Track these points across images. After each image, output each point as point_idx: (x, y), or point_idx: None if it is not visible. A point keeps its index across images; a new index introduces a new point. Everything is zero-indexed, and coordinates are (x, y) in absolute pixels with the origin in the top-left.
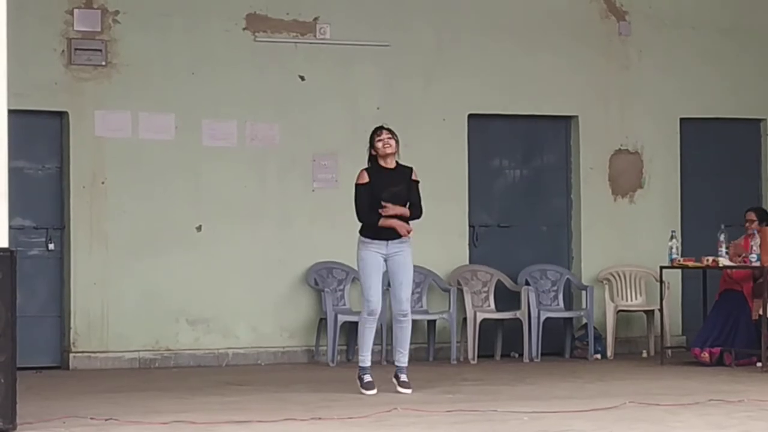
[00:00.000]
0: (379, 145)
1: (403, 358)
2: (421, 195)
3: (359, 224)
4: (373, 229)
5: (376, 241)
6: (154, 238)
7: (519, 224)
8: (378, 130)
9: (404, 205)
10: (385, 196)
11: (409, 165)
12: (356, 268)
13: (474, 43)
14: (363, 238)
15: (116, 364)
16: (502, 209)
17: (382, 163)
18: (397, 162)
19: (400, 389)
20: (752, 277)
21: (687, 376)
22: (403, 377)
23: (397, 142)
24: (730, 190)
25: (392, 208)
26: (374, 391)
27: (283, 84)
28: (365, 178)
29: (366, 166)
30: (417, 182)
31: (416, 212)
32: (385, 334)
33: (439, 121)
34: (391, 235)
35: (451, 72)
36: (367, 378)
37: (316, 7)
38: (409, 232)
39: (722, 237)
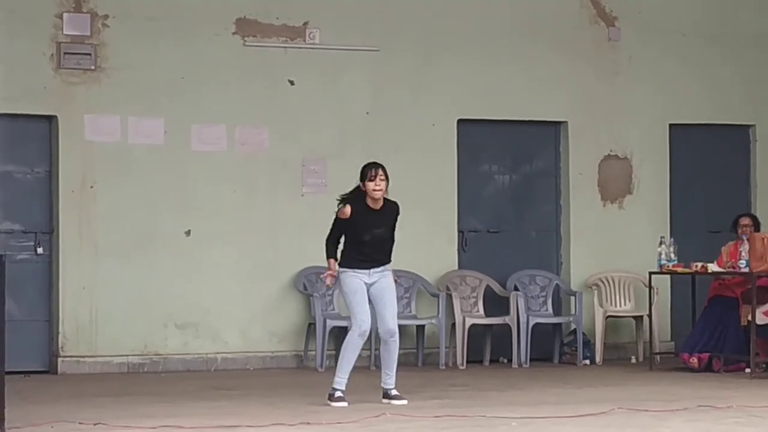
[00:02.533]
0: (371, 186)
1: (390, 381)
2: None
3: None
4: (354, 261)
5: (359, 271)
6: (143, 243)
7: (508, 230)
8: (372, 169)
9: (387, 242)
10: (367, 238)
11: (395, 200)
12: (342, 296)
13: (463, 48)
14: (345, 269)
15: (105, 368)
16: (491, 215)
17: (369, 202)
18: (384, 199)
19: (395, 402)
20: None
21: (676, 382)
22: (394, 392)
23: (387, 181)
24: (719, 196)
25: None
26: (345, 404)
27: (272, 89)
28: (346, 215)
29: (350, 193)
30: (398, 215)
31: (387, 259)
32: (374, 340)
33: (429, 126)
34: (373, 265)
35: (441, 77)
36: (338, 394)
37: (305, 12)
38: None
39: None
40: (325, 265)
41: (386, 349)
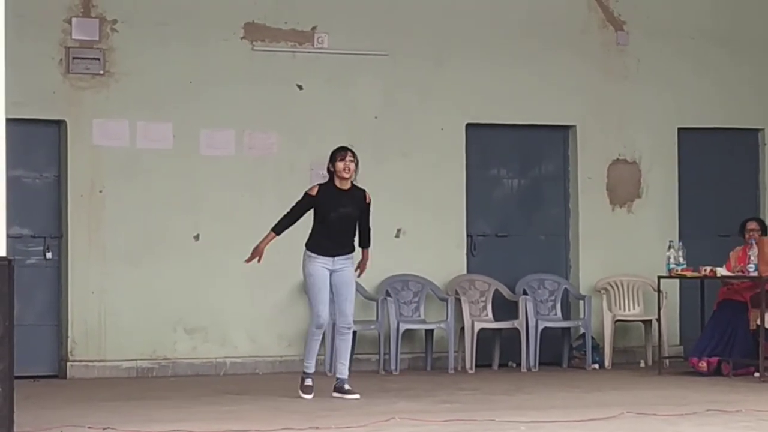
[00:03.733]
0: (340, 165)
1: (344, 370)
2: (371, 219)
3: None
4: (320, 244)
5: (322, 257)
6: (151, 247)
7: (517, 234)
8: (341, 151)
9: (353, 226)
10: (333, 216)
11: (363, 187)
12: (305, 279)
13: (472, 52)
14: (310, 253)
15: (114, 373)
16: (500, 219)
17: (337, 183)
18: (352, 184)
19: (348, 397)
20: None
21: (685, 386)
22: (347, 386)
23: (356, 166)
24: (728, 200)
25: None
26: (311, 396)
27: (281, 93)
28: (314, 192)
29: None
30: (369, 204)
31: (365, 241)
32: (383, 344)
33: (438, 130)
34: (338, 251)
35: (449, 81)
36: (308, 381)
37: (314, 16)
38: (255, 260)
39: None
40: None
41: (342, 340)
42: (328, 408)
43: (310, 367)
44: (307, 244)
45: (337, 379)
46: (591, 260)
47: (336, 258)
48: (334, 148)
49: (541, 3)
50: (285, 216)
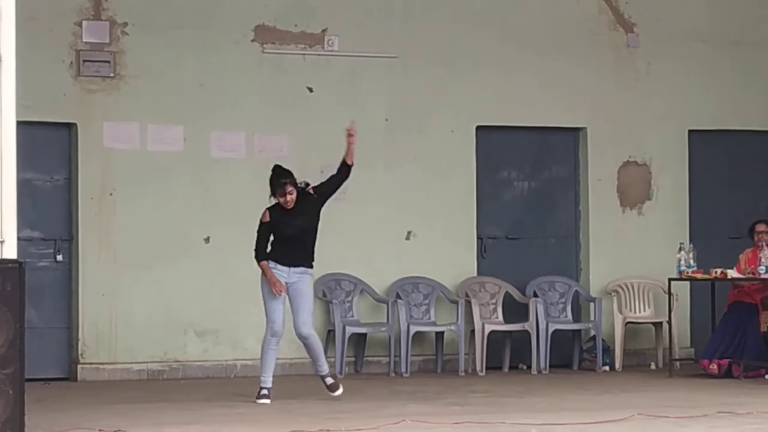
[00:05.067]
0: (282, 200)
1: (323, 368)
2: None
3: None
4: (277, 255)
5: (280, 266)
6: (162, 250)
7: (527, 236)
8: (280, 188)
9: (310, 236)
10: (291, 232)
11: (305, 188)
12: (261, 290)
13: (482, 55)
14: (270, 264)
15: (124, 375)
16: (510, 221)
17: (284, 204)
18: (297, 194)
19: (333, 393)
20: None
21: (695, 388)
22: (329, 380)
23: (295, 186)
24: (739, 202)
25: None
26: (268, 401)
27: (291, 96)
28: (267, 218)
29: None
30: (318, 190)
31: (339, 178)
32: (393, 347)
33: (448, 133)
34: (293, 262)
35: (459, 84)
36: (264, 392)
37: (324, 19)
38: (280, 292)
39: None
40: (343, 272)
41: (307, 347)
42: (338, 410)
43: (267, 381)
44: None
45: (321, 376)
46: (601, 262)
47: (292, 269)
48: (271, 177)
49: (552, 5)
50: (257, 246)
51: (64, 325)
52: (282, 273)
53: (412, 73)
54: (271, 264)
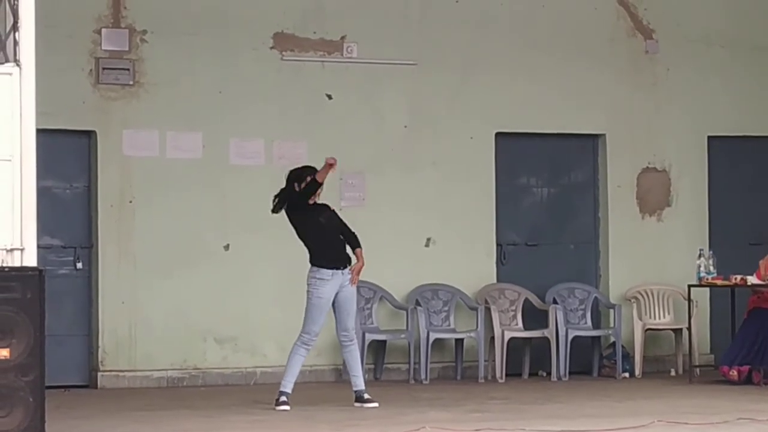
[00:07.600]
0: (314, 178)
1: (359, 381)
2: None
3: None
4: (324, 258)
5: (332, 271)
6: (181, 257)
7: (546, 242)
8: (311, 168)
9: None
10: (323, 221)
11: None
12: (307, 296)
13: (501, 61)
14: (319, 269)
15: (144, 383)
16: (529, 227)
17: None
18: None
19: (367, 406)
20: None
21: (715, 395)
22: (366, 395)
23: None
24: (758, 208)
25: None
26: (287, 408)
27: (310, 103)
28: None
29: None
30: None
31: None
32: (413, 353)
33: (467, 139)
34: (342, 264)
35: (479, 90)
36: (283, 398)
37: (343, 26)
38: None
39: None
40: (362, 279)
41: (348, 352)
42: (358, 417)
43: (287, 386)
44: (316, 262)
45: (355, 391)
46: (621, 269)
47: (344, 271)
48: (295, 169)
49: (570, 11)
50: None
51: (83, 333)
52: (335, 279)
53: (431, 79)
54: (321, 273)
